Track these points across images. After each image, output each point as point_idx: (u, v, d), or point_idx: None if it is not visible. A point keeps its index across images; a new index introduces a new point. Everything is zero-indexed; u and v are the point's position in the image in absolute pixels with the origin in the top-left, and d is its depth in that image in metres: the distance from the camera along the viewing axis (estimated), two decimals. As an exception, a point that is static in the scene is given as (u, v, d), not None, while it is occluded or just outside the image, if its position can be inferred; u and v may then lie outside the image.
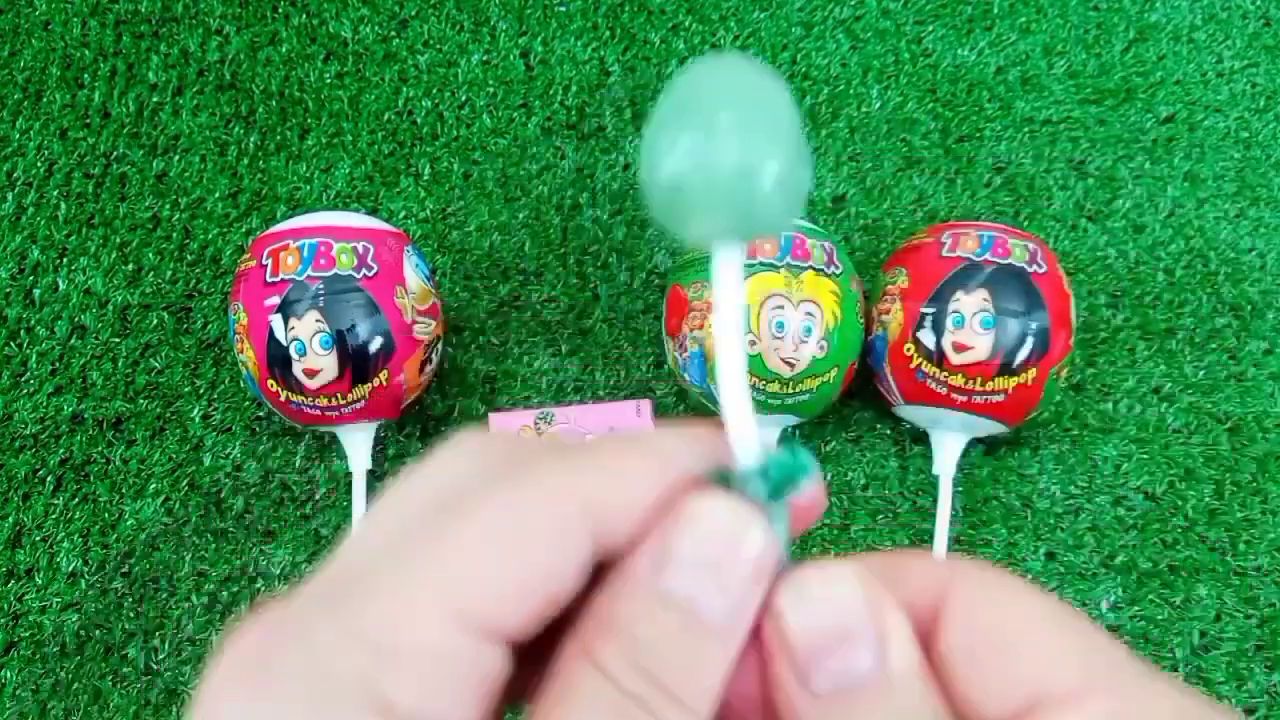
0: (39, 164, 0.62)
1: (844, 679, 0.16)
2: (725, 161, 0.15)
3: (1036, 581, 0.52)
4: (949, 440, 0.52)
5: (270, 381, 0.48)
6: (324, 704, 0.15)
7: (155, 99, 0.64)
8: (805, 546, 0.53)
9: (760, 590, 0.17)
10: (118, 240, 0.60)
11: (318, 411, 0.49)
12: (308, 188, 0.62)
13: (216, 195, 0.61)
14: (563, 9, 0.67)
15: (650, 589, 0.16)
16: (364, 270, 0.48)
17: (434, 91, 0.64)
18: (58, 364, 0.57)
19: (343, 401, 0.49)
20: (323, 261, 0.48)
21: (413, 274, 0.50)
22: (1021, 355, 0.48)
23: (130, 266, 0.59)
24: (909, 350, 0.50)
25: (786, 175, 0.16)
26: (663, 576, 0.16)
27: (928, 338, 0.49)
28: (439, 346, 0.53)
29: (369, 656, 0.15)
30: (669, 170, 0.16)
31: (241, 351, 0.49)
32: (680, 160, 0.16)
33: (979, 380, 0.48)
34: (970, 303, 0.48)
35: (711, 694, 0.16)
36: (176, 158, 0.62)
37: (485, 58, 0.65)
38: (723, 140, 0.15)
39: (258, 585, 0.52)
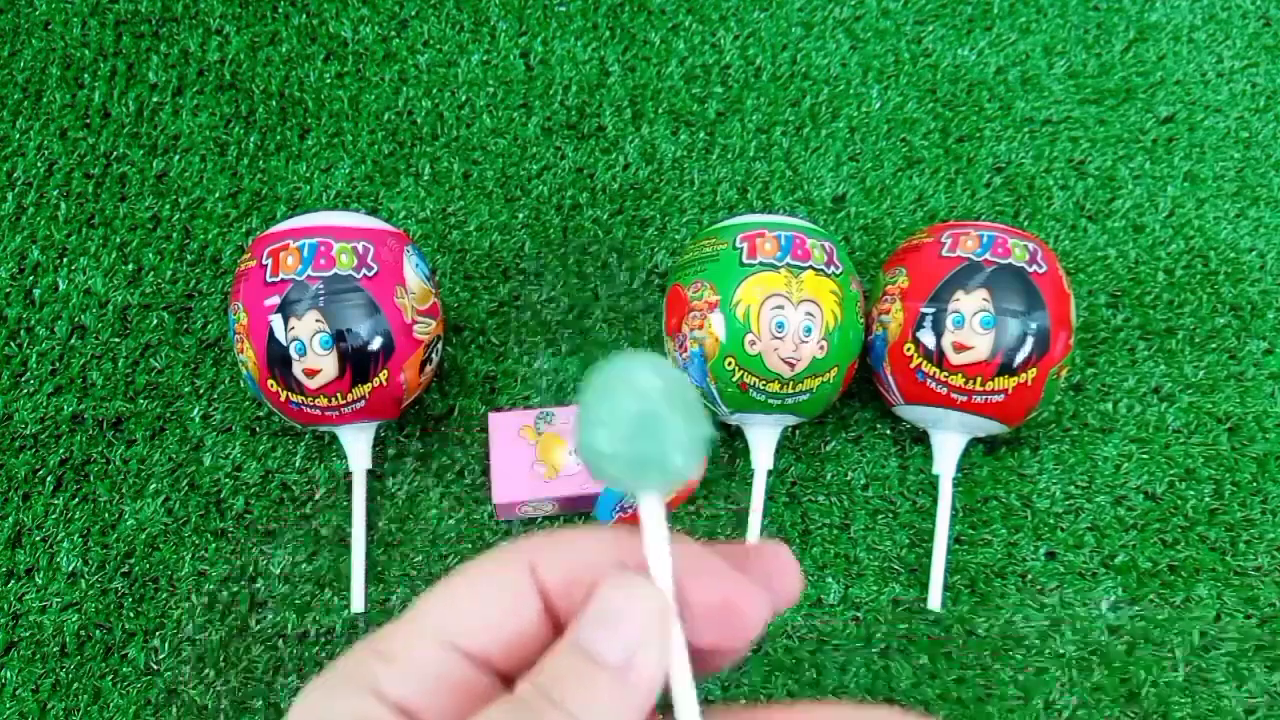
0: (39, 164, 0.62)
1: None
2: (643, 449, 0.21)
3: (1036, 581, 0.52)
4: (949, 440, 0.52)
5: (270, 381, 0.48)
6: (336, 687, 0.21)
7: (155, 99, 0.64)
8: (807, 544, 0.53)
9: (652, 639, 0.21)
10: (118, 240, 0.60)
11: (318, 411, 0.49)
12: (308, 188, 0.62)
13: (216, 195, 0.61)
14: (563, 9, 0.67)
15: (570, 643, 0.21)
16: (364, 270, 0.48)
17: (434, 91, 0.64)
18: (58, 364, 0.57)
19: (343, 401, 0.49)
20: (323, 261, 0.48)
21: (413, 274, 0.50)
22: (1021, 355, 0.48)
23: (130, 266, 0.59)
24: (909, 350, 0.50)
25: (684, 453, 0.21)
26: (577, 634, 0.21)
27: (928, 338, 0.49)
28: (439, 346, 0.53)
29: (373, 659, 0.21)
30: (598, 450, 0.22)
31: (241, 351, 0.49)
32: (605, 444, 0.21)
33: (979, 380, 0.48)
34: (970, 303, 0.48)
35: (599, 715, 0.21)
36: (176, 158, 0.62)
37: (485, 58, 0.65)
38: (642, 432, 0.21)
39: (257, 585, 0.52)
